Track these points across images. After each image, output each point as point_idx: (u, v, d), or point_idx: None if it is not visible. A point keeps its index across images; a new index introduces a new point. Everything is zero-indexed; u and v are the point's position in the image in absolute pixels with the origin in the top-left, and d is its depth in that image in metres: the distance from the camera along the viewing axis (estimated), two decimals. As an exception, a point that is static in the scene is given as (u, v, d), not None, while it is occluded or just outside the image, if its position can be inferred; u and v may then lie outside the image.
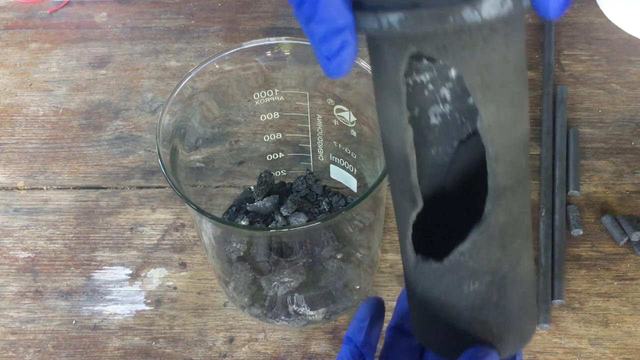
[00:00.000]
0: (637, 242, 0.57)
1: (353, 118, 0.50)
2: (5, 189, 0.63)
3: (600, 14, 0.78)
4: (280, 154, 0.56)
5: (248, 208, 0.55)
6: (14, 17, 0.80)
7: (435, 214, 0.32)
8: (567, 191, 0.61)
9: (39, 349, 0.53)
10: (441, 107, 0.30)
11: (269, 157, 0.57)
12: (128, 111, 0.69)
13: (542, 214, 0.58)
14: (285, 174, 0.58)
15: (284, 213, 0.53)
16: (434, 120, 0.31)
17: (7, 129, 0.68)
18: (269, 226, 0.54)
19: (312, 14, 0.24)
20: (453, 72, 0.29)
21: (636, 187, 0.61)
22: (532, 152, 0.63)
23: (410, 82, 0.30)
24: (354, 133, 0.51)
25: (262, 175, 0.56)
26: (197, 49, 0.75)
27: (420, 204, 0.30)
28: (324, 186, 0.58)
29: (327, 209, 0.55)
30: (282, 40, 0.49)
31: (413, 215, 0.30)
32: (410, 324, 0.35)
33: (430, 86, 0.29)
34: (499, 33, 0.25)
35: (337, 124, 0.52)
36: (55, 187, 0.63)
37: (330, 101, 0.51)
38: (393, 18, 0.25)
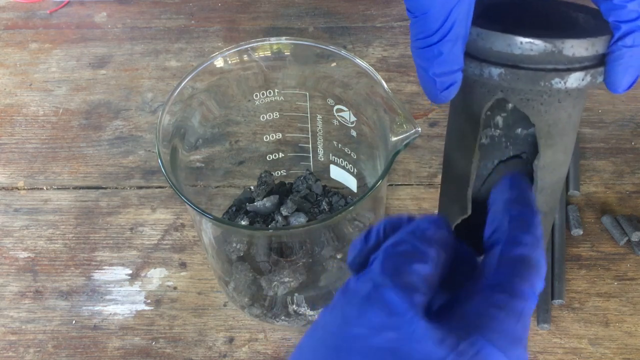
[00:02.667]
0: (637, 242, 0.57)
1: (353, 118, 0.50)
2: (5, 189, 0.63)
3: (600, 14, 0.78)
4: (280, 154, 0.56)
5: (248, 208, 0.55)
6: (14, 17, 0.80)
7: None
8: (567, 191, 0.61)
9: (39, 349, 0.53)
10: (492, 130, 0.35)
11: (269, 157, 0.57)
12: (128, 111, 0.69)
13: (542, 214, 0.59)
14: (285, 174, 0.58)
15: (284, 213, 0.53)
16: (484, 140, 0.35)
17: (7, 129, 0.68)
18: (269, 226, 0.54)
19: (437, 55, 0.30)
20: (509, 106, 0.34)
21: (636, 187, 0.61)
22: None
23: None
24: (354, 133, 0.51)
25: (262, 175, 0.56)
26: (197, 49, 0.75)
27: (469, 212, 0.34)
28: (324, 186, 0.58)
29: (327, 209, 0.55)
30: (282, 40, 0.49)
31: (459, 220, 0.35)
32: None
33: (488, 112, 0.34)
34: (571, 97, 0.31)
35: (337, 124, 0.52)
36: (55, 187, 0.63)
37: (330, 101, 0.51)
38: (494, 71, 0.30)
